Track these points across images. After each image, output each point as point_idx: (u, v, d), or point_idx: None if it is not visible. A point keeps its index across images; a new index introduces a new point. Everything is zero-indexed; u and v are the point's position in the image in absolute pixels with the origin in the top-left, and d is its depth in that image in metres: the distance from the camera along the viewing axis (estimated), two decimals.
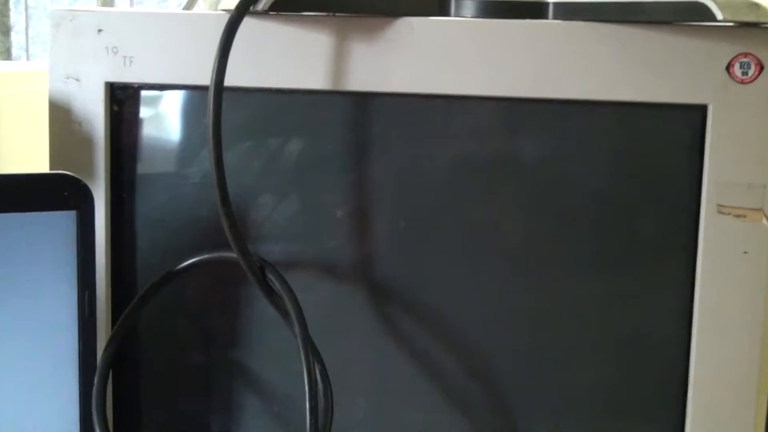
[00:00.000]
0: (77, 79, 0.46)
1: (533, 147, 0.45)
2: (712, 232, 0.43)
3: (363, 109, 0.46)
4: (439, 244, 0.46)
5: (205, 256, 0.45)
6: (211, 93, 0.41)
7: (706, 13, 0.40)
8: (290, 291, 0.43)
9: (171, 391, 0.50)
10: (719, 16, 0.40)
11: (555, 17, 0.44)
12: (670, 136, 0.44)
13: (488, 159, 0.46)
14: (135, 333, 0.48)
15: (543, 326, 0.46)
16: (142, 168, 0.47)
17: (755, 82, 0.42)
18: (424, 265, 0.46)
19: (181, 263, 0.45)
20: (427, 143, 0.46)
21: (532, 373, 0.46)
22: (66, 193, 0.42)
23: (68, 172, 0.43)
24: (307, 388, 0.41)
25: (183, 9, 0.91)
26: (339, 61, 0.44)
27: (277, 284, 0.43)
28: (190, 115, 0.47)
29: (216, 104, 0.42)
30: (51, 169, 0.46)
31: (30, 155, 0.65)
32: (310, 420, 0.40)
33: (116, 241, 0.47)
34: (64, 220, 0.42)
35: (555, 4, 0.44)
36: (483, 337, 0.46)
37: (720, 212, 0.43)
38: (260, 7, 0.42)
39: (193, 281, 0.47)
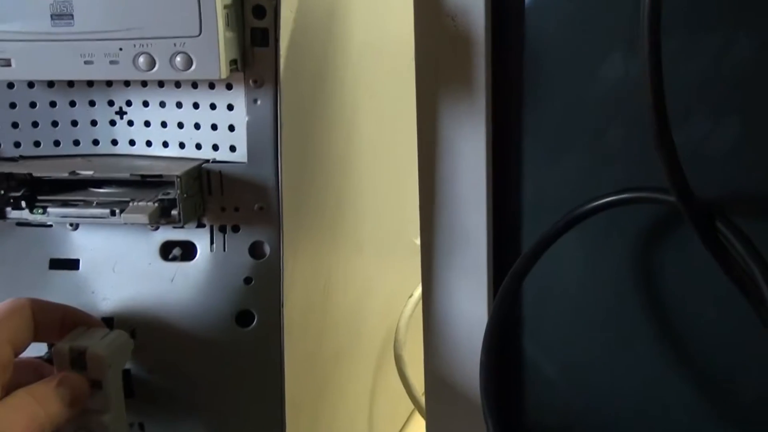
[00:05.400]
0: None
1: None
2: None
3: None
4: None
5: (619, 195, 0.33)
6: None
7: None
8: (756, 253, 0.29)
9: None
10: None
11: None
12: None
13: None
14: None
15: None
16: (530, 76, 0.36)
17: None
18: None
19: (582, 206, 0.34)
20: None
21: None
22: None
23: None
24: None
25: None
26: None
27: (734, 242, 0.30)
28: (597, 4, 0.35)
29: None
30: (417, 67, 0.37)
31: None
32: None
33: (498, 169, 0.37)
34: None
35: None
36: None
37: None
38: None
39: (592, 231, 0.36)
